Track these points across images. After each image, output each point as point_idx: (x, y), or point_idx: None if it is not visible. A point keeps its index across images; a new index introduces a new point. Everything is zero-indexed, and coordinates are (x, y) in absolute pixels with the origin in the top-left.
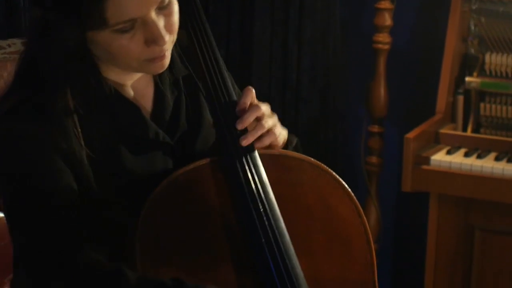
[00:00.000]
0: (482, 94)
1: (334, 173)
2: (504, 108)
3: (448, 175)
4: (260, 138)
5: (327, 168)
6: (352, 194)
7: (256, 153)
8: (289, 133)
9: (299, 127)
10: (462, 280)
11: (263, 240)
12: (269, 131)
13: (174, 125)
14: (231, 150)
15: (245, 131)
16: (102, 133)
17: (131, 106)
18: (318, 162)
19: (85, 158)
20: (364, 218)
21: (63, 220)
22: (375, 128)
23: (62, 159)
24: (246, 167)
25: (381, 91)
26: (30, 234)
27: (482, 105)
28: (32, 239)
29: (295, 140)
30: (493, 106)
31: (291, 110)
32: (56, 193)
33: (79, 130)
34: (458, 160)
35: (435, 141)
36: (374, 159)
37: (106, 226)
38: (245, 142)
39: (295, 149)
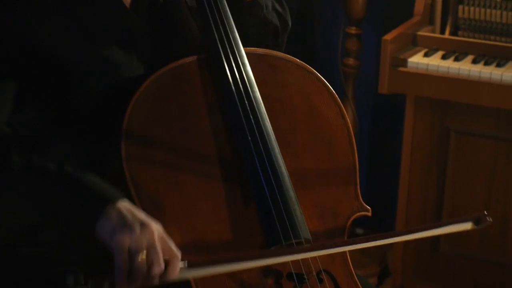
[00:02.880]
0: None
1: (319, 75)
2: (482, 10)
3: (425, 77)
4: None
5: (312, 69)
6: (336, 96)
7: (243, 52)
8: None
9: None
10: (437, 181)
11: (249, 138)
12: None
13: (152, 14)
14: (218, 48)
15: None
16: (81, 21)
17: None
18: (303, 63)
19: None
20: (348, 120)
21: None
22: (353, 30)
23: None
24: (234, 65)
25: None
26: None
27: (460, 7)
28: None
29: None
30: (472, 8)
31: None
32: None
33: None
34: (435, 62)
35: (413, 43)
36: (351, 61)
37: (87, 123)
38: None
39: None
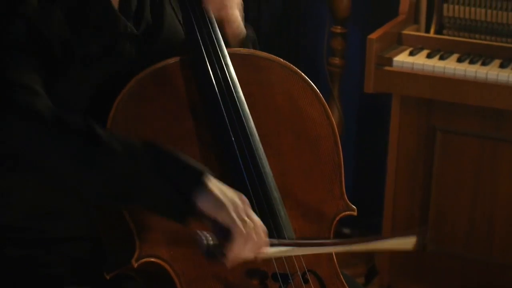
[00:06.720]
0: None
1: (303, 74)
2: (467, 9)
3: (411, 76)
4: None
5: (297, 69)
6: (321, 96)
7: (226, 52)
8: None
9: (261, 26)
10: (423, 180)
11: (233, 139)
12: None
13: (140, 16)
14: (201, 49)
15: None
16: (70, 20)
17: None
18: (287, 63)
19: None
20: (332, 119)
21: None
22: (338, 29)
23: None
24: (216, 66)
25: None
26: None
27: (445, 6)
28: None
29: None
30: (456, 7)
31: (253, 9)
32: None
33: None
34: (420, 61)
35: (398, 42)
36: (336, 60)
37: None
38: None
39: (253, 43)
